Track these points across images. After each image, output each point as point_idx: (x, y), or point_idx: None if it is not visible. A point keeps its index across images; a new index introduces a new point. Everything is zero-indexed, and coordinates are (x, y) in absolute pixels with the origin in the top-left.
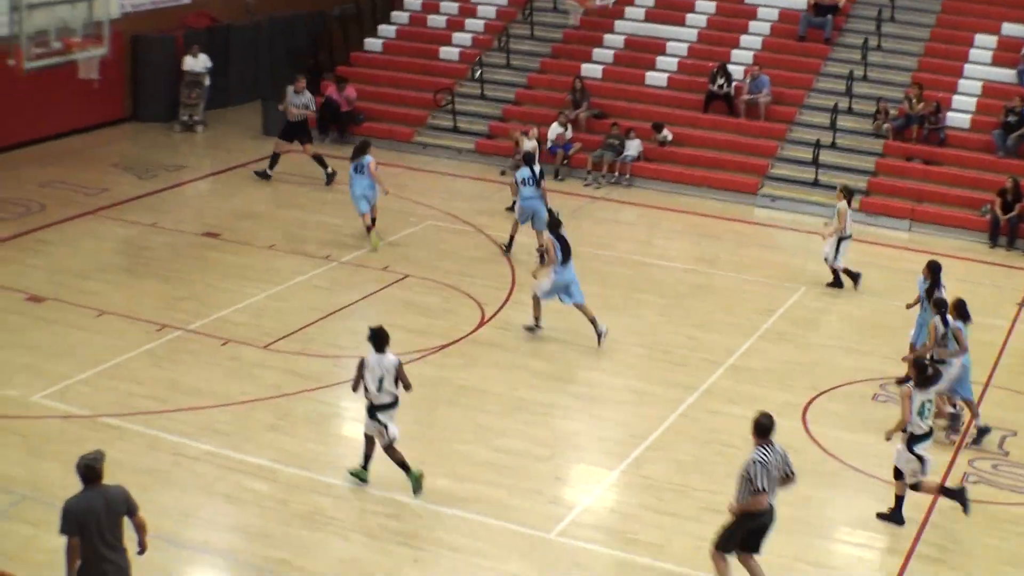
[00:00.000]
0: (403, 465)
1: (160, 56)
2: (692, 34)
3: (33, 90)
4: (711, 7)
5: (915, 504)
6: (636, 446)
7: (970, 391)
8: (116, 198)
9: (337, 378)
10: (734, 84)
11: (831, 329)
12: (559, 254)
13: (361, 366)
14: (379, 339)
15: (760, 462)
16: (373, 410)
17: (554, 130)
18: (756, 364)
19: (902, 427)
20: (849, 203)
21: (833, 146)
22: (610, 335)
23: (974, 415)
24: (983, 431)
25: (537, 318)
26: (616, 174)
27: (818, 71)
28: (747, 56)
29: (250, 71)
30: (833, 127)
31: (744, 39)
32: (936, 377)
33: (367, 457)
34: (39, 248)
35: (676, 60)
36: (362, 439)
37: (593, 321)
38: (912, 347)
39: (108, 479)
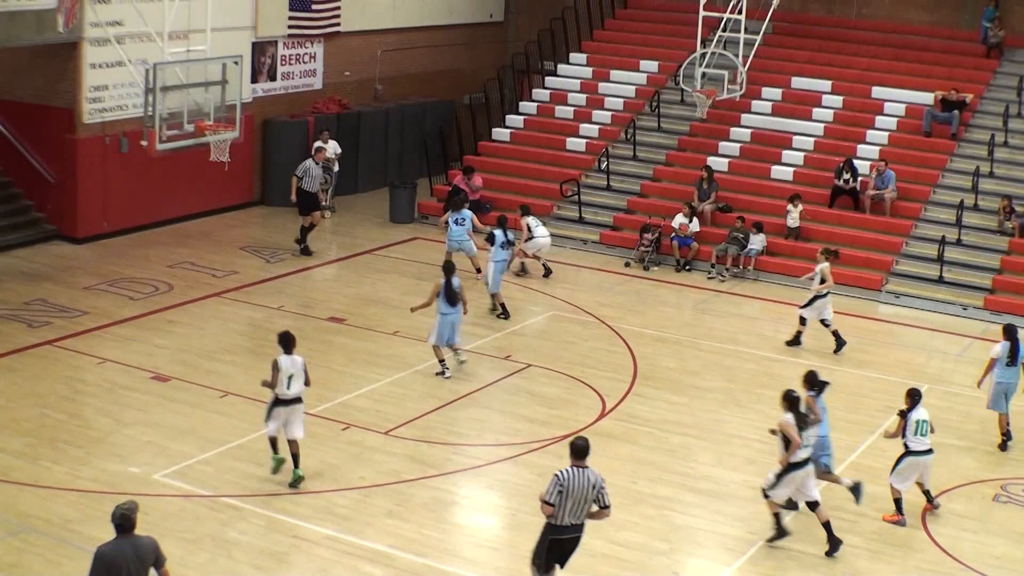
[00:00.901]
0: (295, 458)
1: (290, 141)
2: (819, 128)
3: (165, 172)
4: (838, 101)
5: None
6: (754, 543)
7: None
8: (243, 280)
9: (457, 466)
10: (860, 179)
11: (953, 428)
12: (443, 295)
13: (275, 366)
14: (287, 342)
15: (558, 478)
16: (279, 403)
17: (677, 220)
18: (876, 462)
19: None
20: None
21: (958, 243)
22: (732, 429)
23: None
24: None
25: (442, 360)
26: (740, 267)
27: (944, 167)
28: (873, 151)
29: (379, 158)
30: (959, 224)
31: (870, 134)
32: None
33: (275, 447)
34: (166, 328)
35: (802, 154)
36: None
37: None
38: None
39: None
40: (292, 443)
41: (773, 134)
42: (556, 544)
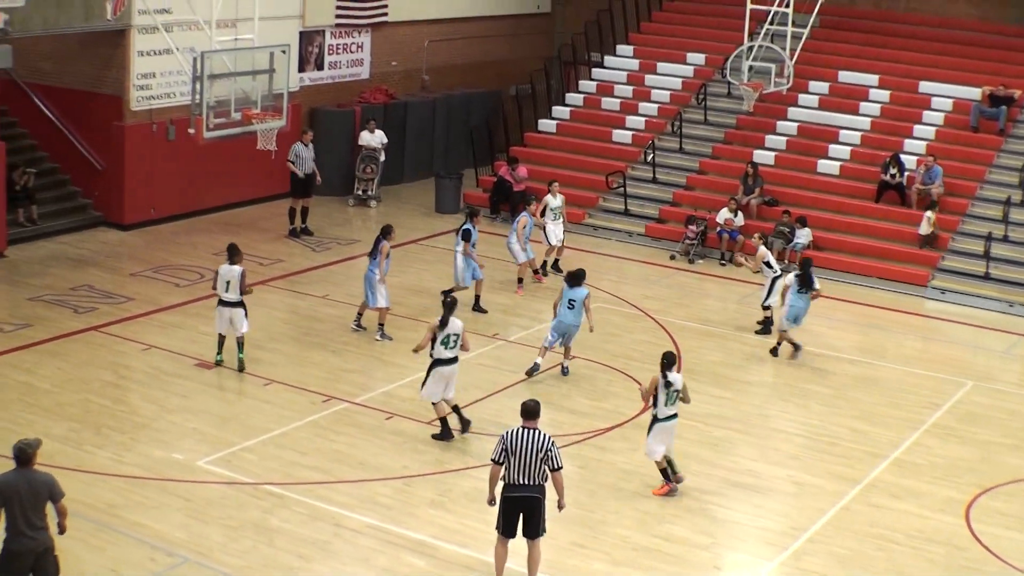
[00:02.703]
0: (241, 345)
1: (337, 130)
2: (865, 123)
3: (211, 159)
4: (885, 96)
5: None
6: (796, 538)
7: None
8: (289, 269)
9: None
10: (906, 174)
11: (999, 425)
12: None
13: (216, 274)
14: (232, 253)
15: (502, 437)
16: (221, 304)
17: (723, 215)
18: (920, 459)
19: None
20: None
21: (1005, 239)
22: (776, 424)
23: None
24: None
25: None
26: (786, 262)
27: (991, 163)
28: (920, 146)
29: (425, 148)
30: (1005, 220)
31: (917, 129)
32: None
33: (220, 346)
34: (210, 315)
35: (849, 148)
36: None
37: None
38: None
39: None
40: (239, 338)
41: (820, 128)
42: (510, 503)
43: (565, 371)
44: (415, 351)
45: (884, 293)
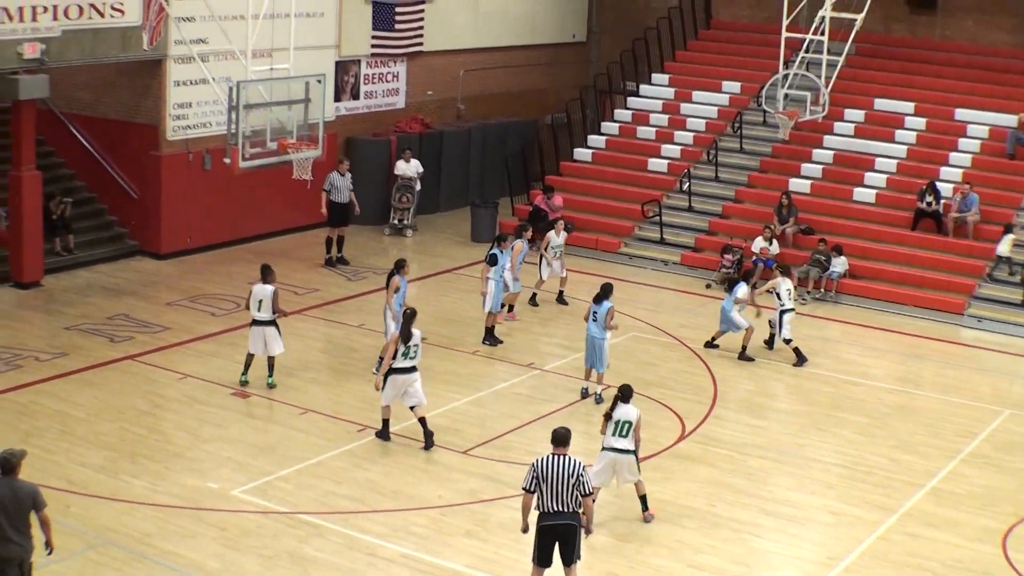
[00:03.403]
0: (271, 368)
1: (373, 159)
2: (901, 151)
3: (247, 189)
4: (921, 123)
5: None
6: (832, 568)
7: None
8: (325, 298)
9: None
10: (943, 202)
11: None
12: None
13: (249, 293)
14: (264, 272)
15: (533, 465)
16: (254, 323)
17: (758, 244)
18: (957, 487)
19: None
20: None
21: None
22: (812, 453)
23: None
24: None
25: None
26: (822, 290)
27: None
28: (956, 174)
29: (460, 177)
30: None
31: (953, 156)
32: None
33: (247, 367)
34: (246, 344)
35: (885, 176)
36: None
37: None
38: None
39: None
40: (272, 359)
41: (856, 156)
42: (545, 532)
43: (599, 399)
44: (381, 359)
45: (920, 321)
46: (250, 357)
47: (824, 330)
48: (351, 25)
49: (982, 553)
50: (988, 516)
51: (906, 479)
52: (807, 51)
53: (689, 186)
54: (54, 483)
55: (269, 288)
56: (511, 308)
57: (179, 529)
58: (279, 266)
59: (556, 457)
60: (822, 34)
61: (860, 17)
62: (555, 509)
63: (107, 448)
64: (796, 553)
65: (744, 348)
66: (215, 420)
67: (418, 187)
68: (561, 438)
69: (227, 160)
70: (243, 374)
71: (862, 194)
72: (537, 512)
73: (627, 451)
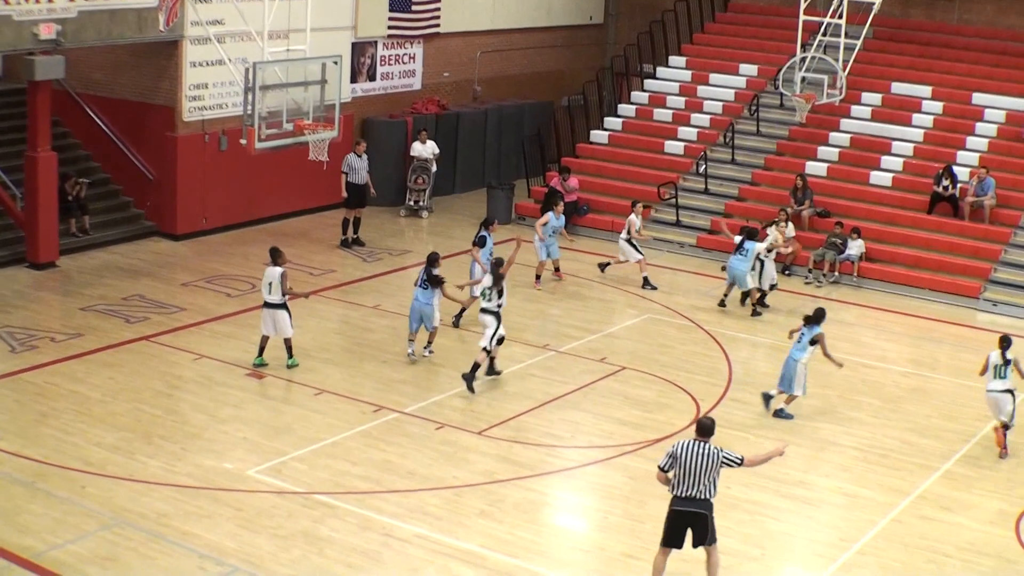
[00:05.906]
0: (288, 350)
1: (389, 141)
2: (918, 134)
3: (263, 170)
4: (938, 107)
5: None
6: (845, 550)
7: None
8: (340, 279)
9: (550, 467)
10: (959, 186)
11: None
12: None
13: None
14: (274, 255)
15: (672, 446)
16: (265, 305)
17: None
18: (971, 471)
19: None
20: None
21: None
22: (826, 435)
23: None
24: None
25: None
26: (837, 273)
27: None
28: (972, 158)
29: (477, 159)
30: None
31: (970, 140)
32: None
33: (261, 350)
34: (261, 325)
35: (901, 160)
36: None
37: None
38: None
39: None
40: (286, 340)
41: (872, 139)
42: (676, 516)
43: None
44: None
45: (936, 305)
46: (264, 339)
47: (839, 313)
48: (368, 6)
49: (996, 536)
50: (1002, 499)
51: (920, 462)
52: (825, 34)
53: (706, 169)
54: (70, 463)
55: (277, 270)
56: (556, 269)
57: (195, 509)
58: (295, 247)
59: (696, 443)
60: (840, 17)
61: (878, 0)
62: (687, 495)
63: (123, 429)
64: (810, 535)
65: (725, 296)
66: (231, 401)
67: (434, 168)
68: (706, 428)
69: (243, 141)
70: (257, 356)
71: (879, 178)
72: (671, 496)
73: None
